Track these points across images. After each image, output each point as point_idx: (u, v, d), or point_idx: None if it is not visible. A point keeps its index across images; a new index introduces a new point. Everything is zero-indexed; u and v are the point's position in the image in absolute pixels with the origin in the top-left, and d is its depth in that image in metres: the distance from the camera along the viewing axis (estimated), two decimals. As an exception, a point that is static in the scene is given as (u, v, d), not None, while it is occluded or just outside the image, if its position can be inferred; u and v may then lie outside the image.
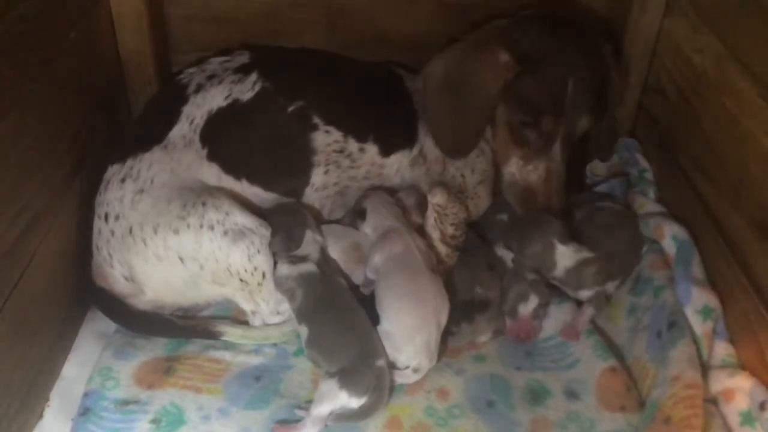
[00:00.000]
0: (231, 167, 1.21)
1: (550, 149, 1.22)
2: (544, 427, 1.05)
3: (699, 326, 1.09)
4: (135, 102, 1.44)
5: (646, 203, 1.32)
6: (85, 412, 1.04)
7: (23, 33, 0.99)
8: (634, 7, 1.41)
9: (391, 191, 1.28)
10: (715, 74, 1.19)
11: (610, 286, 1.20)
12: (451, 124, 1.25)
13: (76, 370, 1.11)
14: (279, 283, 1.14)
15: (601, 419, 1.06)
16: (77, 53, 1.20)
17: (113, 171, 1.19)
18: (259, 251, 1.13)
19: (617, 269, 1.21)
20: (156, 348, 1.14)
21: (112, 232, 1.15)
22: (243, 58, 1.29)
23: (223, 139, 1.21)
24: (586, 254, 1.19)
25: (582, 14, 1.47)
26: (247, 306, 1.18)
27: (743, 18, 1.12)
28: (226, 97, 1.23)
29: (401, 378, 1.08)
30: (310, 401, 1.04)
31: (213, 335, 1.16)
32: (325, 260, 1.18)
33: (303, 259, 1.15)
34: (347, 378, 1.01)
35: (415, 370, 1.08)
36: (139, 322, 1.17)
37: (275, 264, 1.15)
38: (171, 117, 1.22)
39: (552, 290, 1.21)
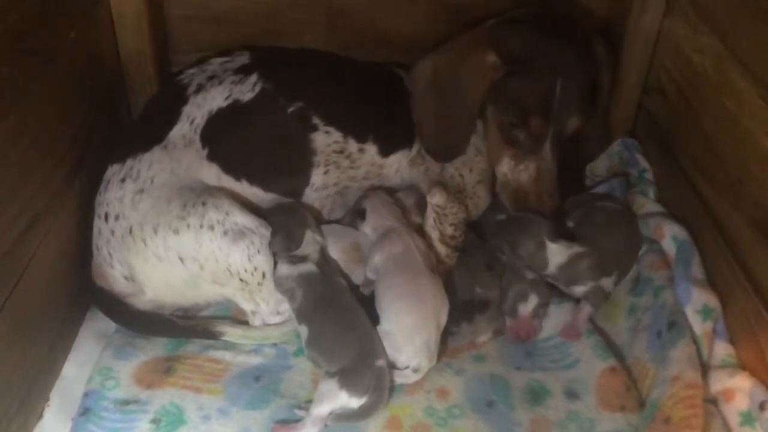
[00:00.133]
0: (231, 167, 1.21)
1: (540, 149, 1.22)
2: (544, 427, 1.05)
3: (699, 326, 1.09)
4: (135, 102, 1.44)
5: (646, 203, 1.32)
6: (85, 412, 1.04)
7: (23, 33, 0.99)
8: (634, 7, 1.40)
9: (391, 191, 1.28)
10: (715, 74, 1.19)
11: (606, 282, 1.20)
12: (437, 126, 1.25)
13: (76, 370, 1.12)
14: (279, 283, 1.14)
15: (601, 419, 1.06)
16: (77, 53, 1.20)
17: (113, 171, 1.19)
18: (259, 251, 1.13)
19: (612, 265, 1.21)
20: (156, 348, 1.14)
21: (112, 232, 1.15)
22: (243, 58, 1.29)
23: (223, 139, 1.21)
24: (578, 249, 1.19)
25: (582, 14, 1.47)
26: (247, 306, 1.18)
27: (743, 18, 1.12)
28: (227, 98, 1.23)
29: (401, 378, 1.08)
30: (310, 401, 1.04)
31: (213, 335, 1.16)
32: (325, 260, 1.18)
33: (303, 259, 1.15)
34: (347, 378, 1.01)
35: (415, 370, 1.08)
36: (139, 322, 1.17)
37: (275, 264, 1.15)
38: (171, 117, 1.22)
39: (552, 290, 1.22)
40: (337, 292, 1.13)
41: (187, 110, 1.22)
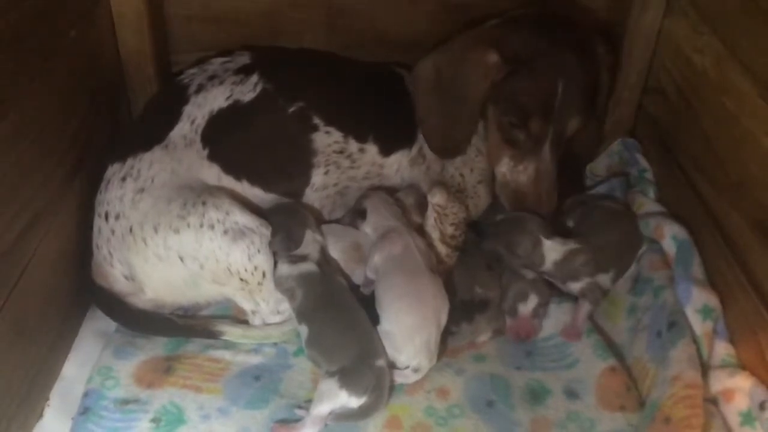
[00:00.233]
0: (231, 168, 1.21)
1: (539, 150, 1.22)
2: (544, 427, 1.05)
3: (699, 326, 1.09)
4: (135, 102, 1.44)
5: (646, 203, 1.32)
6: (85, 411, 1.04)
7: (23, 32, 0.99)
8: (634, 7, 1.40)
9: (391, 191, 1.28)
10: (715, 74, 1.19)
11: (603, 279, 1.20)
12: (440, 124, 1.25)
13: (76, 370, 1.12)
14: (279, 283, 1.14)
15: (600, 419, 1.06)
16: (77, 53, 1.20)
17: (114, 170, 1.19)
18: (259, 251, 1.13)
19: (608, 262, 1.21)
20: (156, 347, 1.14)
21: (113, 231, 1.15)
22: (244, 58, 1.29)
23: (224, 139, 1.21)
24: (573, 245, 1.19)
25: (582, 14, 1.47)
26: (247, 305, 1.18)
27: (743, 18, 1.12)
28: (228, 98, 1.23)
29: (401, 378, 1.08)
30: (309, 401, 1.04)
31: (213, 334, 1.16)
32: (325, 260, 1.18)
33: (303, 258, 1.15)
34: (347, 378, 1.01)
35: (415, 370, 1.08)
36: (139, 321, 1.17)
37: (275, 263, 1.15)
38: (172, 117, 1.22)
39: (552, 290, 1.22)
40: (337, 292, 1.13)
41: (188, 110, 1.22)
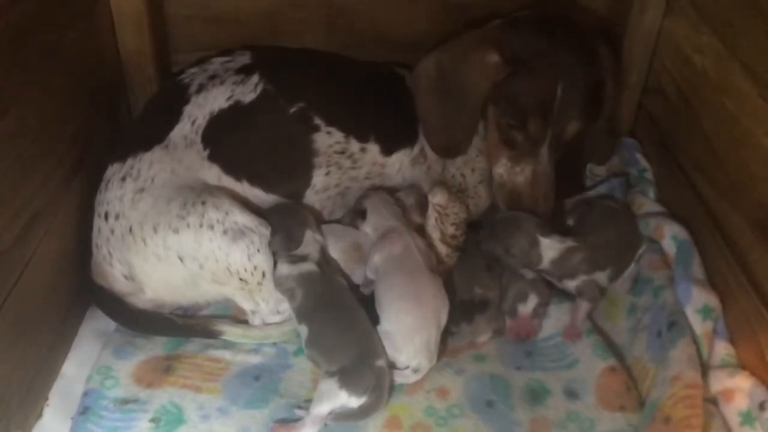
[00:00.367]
0: (232, 168, 1.21)
1: (537, 152, 1.21)
2: (543, 427, 1.05)
3: (699, 326, 1.09)
4: (135, 102, 1.44)
5: (646, 203, 1.33)
6: (84, 411, 1.04)
7: (23, 32, 0.99)
8: (634, 7, 1.41)
9: (392, 191, 1.28)
10: (715, 74, 1.19)
11: (600, 277, 1.20)
12: (440, 123, 1.25)
13: (76, 369, 1.11)
14: (279, 283, 1.14)
15: (600, 419, 1.06)
16: (77, 53, 1.20)
17: (114, 170, 1.19)
18: (258, 250, 1.13)
19: (605, 259, 1.21)
20: (155, 347, 1.14)
21: (112, 231, 1.15)
22: (244, 58, 1.29)
23: (224, 140, 1.21)
24: (570, 243, 1.19)
25: (582, 14, 1.47)
26: (246, 305, 1.18)
27: (743, 18, 1.12)
28: (228, 98, 1.23)
29: (401, 378, 1.08)
30: (309, 401, 1.04)
31: (213, 334, 1.16)
32: (325, 260, 1.18)
33: (303, 258, 1.15)
34: (347, 377, 1.01)
35: (415, 371, 1.07)
36: (138, 320, 1.17)
37: (275, 263, 1.15)
38: (172, 117, 1.22)
39: (551, 290, 1.22)
40: (337, 292, 1.13)
41: (189, 110, 1.22)
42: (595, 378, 1.11)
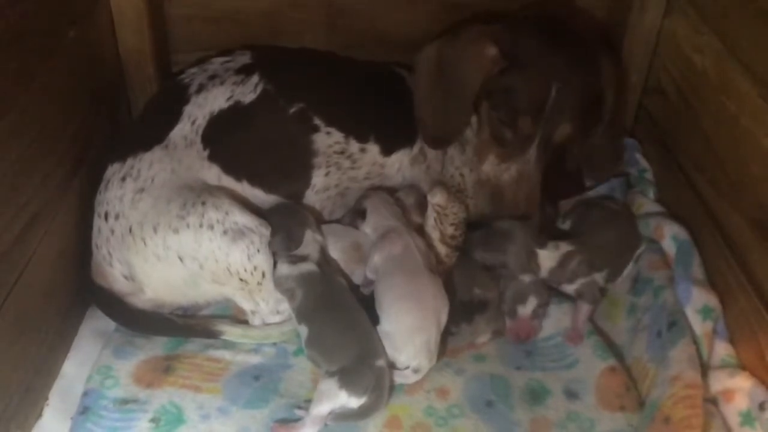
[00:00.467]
0: (232, 169, 1.21)
1: (525, 151, 1.20)
2: (543, 427, 1.05)
3: (699, 326, 1.09)
4: (135, 101, 1.44)
5: (646, 203, 1.33)
6: (84, 411, 1.04)
7: (23, 31, 0.99)
8: (634, 7, 1.41)
9: (391, 191, 1.28)
10: (715, 74, 1.19)
11: (599, 278, 1.20)
12: (434, 111, 1.24)
13: (76, 369, 1.11)
14: (279, 283, 1.14)
15: (600, 419, 1.06)
16: (77, 52, 1.20)
17: (114, 170, 1.19)
18: (258, 250, 1.13)
19: (602, 261, 1.21)
20: (155, 347, 1.14)
21: (112, 231, 1.15)
22: (245, 58, 1.29)
23: (224, 140, 1.21)
24: (567, 248, 1.20)
25: (582, 17, 1.47)
26: (246, 305, 1.18)
27: (743, 18, 1.12)
28: (228, 99, 1.23)
29: (401, 378, 1.08)
30: (309, 401, 1.04)
31: (212, 334, 1.16)
32: (325, 260, 1.18)
33: (303, 258, 1.15)
34: (347, 378, 1.01)
35: (415, 371, 1.07)
36: (138, 320, 1.16)
37: (275, 263, 1.15)
38: (172, 117, 1.22)
39: (551, 290, 1.22)
40: (337, 292, 1.13)
41: (189, 110, 1.22)
42: (595, 378, 1.11)
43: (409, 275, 1.12)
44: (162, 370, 1.10)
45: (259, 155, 1.23)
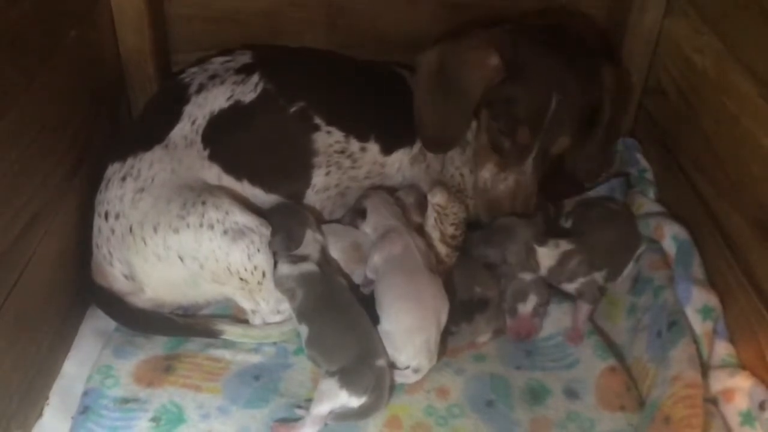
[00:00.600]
0: (232, 168, 1.21)
1: (522, 162, 1.21)
2: (543, 427, 1.05)
3: (699, 326, 1.09)
4: (135, 101, 1.44)
5: (646, 203, 1.33)
6: (84, 410, 1.04)
7: (23, 31, 0.99)
8: (634, 7, 1.41)
9: (391, 190, 1.28)
10: (716, 74, 1.19)
11: (598, 277, 1.20)
12: (434, 116, 1.24)
13: (76, 369, 1.11)
14: (279, 283, 1.14)
15: (600, 419, 1.06)
16: (77, 53, 1.20)
17: (114, 169, 1.19)
18: (259, 250, 1.13)
19: (602, 260, 1.21)
20: (156, 346, 1.14)
21: (112, 231, 1.15)
22: (245, 58, 1.29)
23: (224, 140, 1.21)
24: (566, 247, 1.20)
25: (583, 19, 1.47)
26: (247, 305, 1.18)
27: (743, 18, 1.12)
28: (228, 98, 1.22)
29: (401, 378, 1.08)
30: (309, 400, 1.04)
31: (213, 334, 1.16)
32: (325, 260, 1.18)
33: (303, 258, 1.15)
34: (347, 377, 1.01)
35: (415, 371, 1.07)
36: (138, 320, 1.17)
37: (276, 263, 1.15)
38: (172, 117, 1.22)
39: (551, 289, 1.22)
40: (337, 292, 1.13)
41: (189, 110, 1.22)
42: (595, 378, 1.11)
43: (408, 275, 1.12)
44: (162, 369, 1.10)
45: (259, 155, 1.23)
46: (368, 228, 1.21)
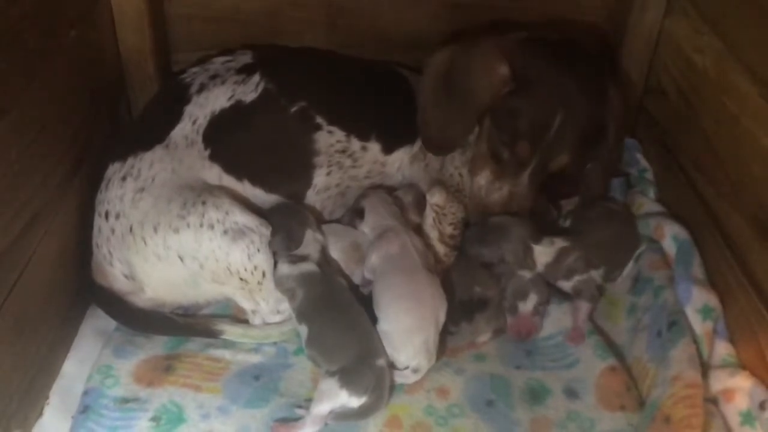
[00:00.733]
0: (232, 169, 1.21)
1: (519, 174, 1.20)
2: (543, 427, 1.05)
3: (699, 326, 1.09)
4: (135, 100, 1.44)
5: (646, 203, 1.33)
6: (84, 410, 1.04)
7: (23, 31, 0.99)
8: (634, 7, 1.41)
9: (390, 190, 1.28)
10: (716, 74, 1.19)
11: (596, 275, 1.20)
12: (437, 118, 1.24)
13: (76, 368, 1.11)
14: (279, 283, 1.14)
15: (601, 419, 1.06)
16: (77, 52, 1.20)
17: (114, 169, 1.19)
18: (259, 250, 1.13)
19: (598, 258, 1.21)
20: (156, 346, 1.14)
21: (113, 231, 1.15)
22: (246, 57, 1.29)
23: (225, 140, 1.21)
24: (562, 244, 1.20)
25: (585, 31, 1.47)
26: (247, 305, 1.18)
27: (744, 18, 1.12)
28: (229, 98, 1.23)
29: (401, 378, 1.08)
30: (309, 400, 1.04)
31: (213, 333, 1.16)
32: (325, 260, 1.18)
33: (303, 258, 1.15)
34: (347, 377, 1.01)
35: (415, 370, 1.07)
36: (138, 320, 1.16)
37: (276, 263, 1.15)
38: (173, 116, 1.22)
39: (551, 288, 1.22)
40: (337, 292, 1.13)
41: (190, 110, 1.22)
42: (595, 378, 1.11)
43: (406, 275, 1.12)
44: (162, 369, 1.10)
45: (260, 155, 1.23)
46: (366, 228, 1.21)
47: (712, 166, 1.19)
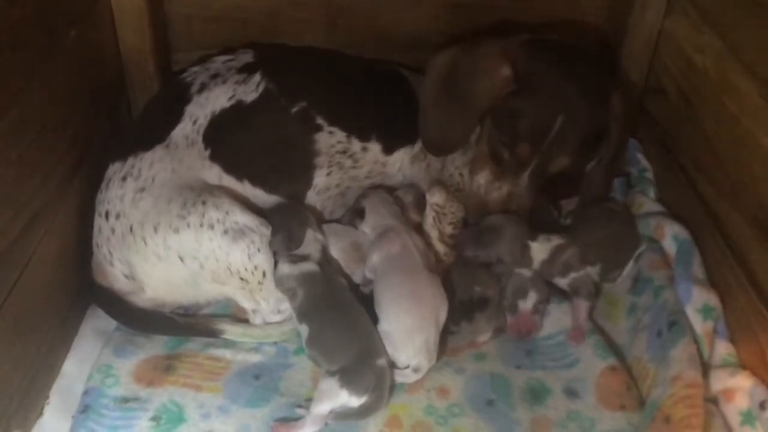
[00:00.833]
0: (233, 169, 1.21)
1: (518, 176, 1.21)
2: (544, 426, 1.05)
3: (699, 325, 1.09)
4: (135, 100, 1.44)
5: (647, 203, 1.33)
6: (84, 409, 1.04)
7: (23, 30, 0.99)
8: (634, 6, 1.41)
9: (391, 190, 1.28)
10: (716, 74, 1.19)
11: (592, 273, 1.20)
12: (439, 118, 1.24)
13: (76, 368, 1.11)
14: (280, 283, 1.14)
15: (601, 418, 1.06)
16: (77, 51, 1.20)
17: (114, 169, 1.19)
18: (259, 250, 1.13)
19: (595, 255, 1.21)
20: (156, 346, 1.14)
21: (113, 231, 1.15)
22: (247, 57, 1.29)
23: (226, 140, 1.21)
24: (558, 241, 1.20)
25: (585, 32, 1.47)
26: (247, 305, 1.18)
27: (744, 18, 1.12)
28: (230, 98, 1.22)
29: (401, 377, 1.08)
30: (310, 400, 1.04)
31: (213, 333, 1.16)
32: (326, 260, 1.18)
33: (304, 258, 1.15)
34: (347, 377, 1.01)
35: (415, 370, 1.07)
36: (139, 319, 1.16)
37: (276, 263, 1.15)
38: (173, 116, 1.22)
39: (551, 287, 1.22)
40: (338, 292, 1.13)
41: (190, 109, 1.22)
42: (595, 377, 1.11)
43: (407, 274, 1.12)
44: (163, 368, 1.10)
45: (260, 155, 1.23)
46: (367, 227, 1.21)
47: (712, 166, 1.19)
